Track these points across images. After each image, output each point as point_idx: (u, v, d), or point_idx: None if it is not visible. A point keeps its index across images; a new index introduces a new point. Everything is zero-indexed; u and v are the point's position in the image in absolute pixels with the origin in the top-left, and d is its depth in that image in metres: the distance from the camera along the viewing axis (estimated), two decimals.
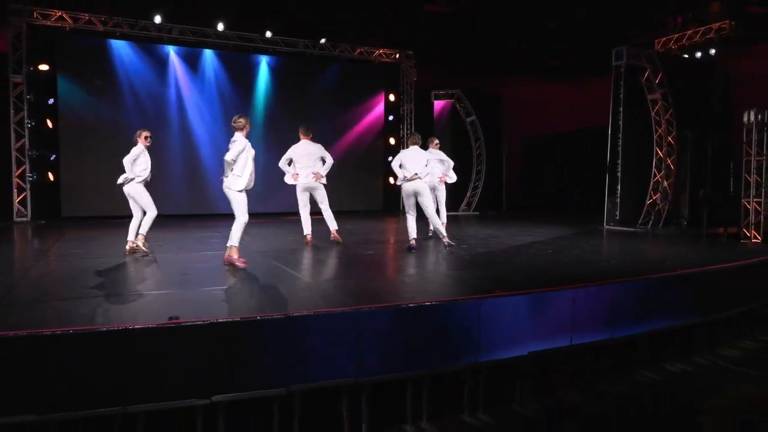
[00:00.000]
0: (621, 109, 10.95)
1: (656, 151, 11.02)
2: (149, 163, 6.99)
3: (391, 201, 15.53)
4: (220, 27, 12.91)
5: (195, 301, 4.53)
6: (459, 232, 10.06)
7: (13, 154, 11.67)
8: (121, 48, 12.58)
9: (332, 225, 8.21)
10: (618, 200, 11.03)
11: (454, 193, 15.45)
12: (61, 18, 11.82)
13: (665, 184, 10.92)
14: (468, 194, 15.46)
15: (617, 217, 11.07)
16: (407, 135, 15.25)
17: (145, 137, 7.05)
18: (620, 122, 10.96)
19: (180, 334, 3.68)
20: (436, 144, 9.03)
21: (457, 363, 4.45)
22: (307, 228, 8.10)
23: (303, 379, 3.96)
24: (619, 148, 10.95)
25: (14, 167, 11.71)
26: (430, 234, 8.71)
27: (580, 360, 5.05)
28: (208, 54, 13.41)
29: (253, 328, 3.87)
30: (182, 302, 4.48)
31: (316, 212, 8.08)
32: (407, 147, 7.58)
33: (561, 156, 17.68)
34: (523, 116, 18.06)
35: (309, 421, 3.96)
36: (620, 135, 10.96)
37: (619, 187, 11.01)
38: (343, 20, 13.01)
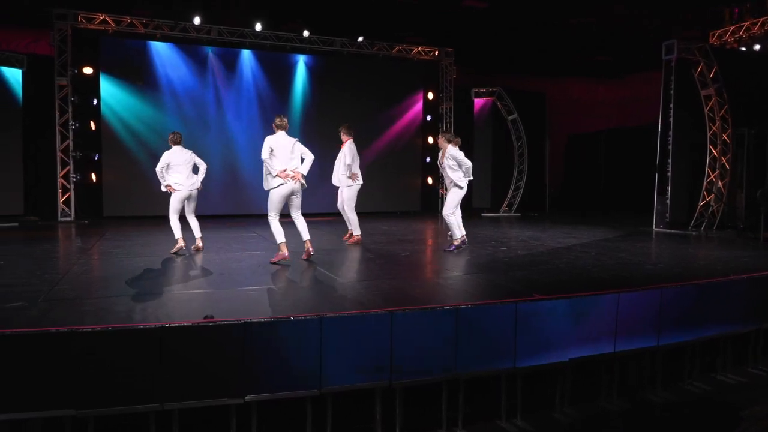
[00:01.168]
0: (672, 105, 10.63)
1: (710, 149, 10.66)
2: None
3: (429, 201, 15.51)
4: (258, 27, 13.15)
5: (230, 301, 4.64)
6: (499, 234, 9.98)
7: (58, 155, 12.18)
8: (161, 49, 12.97)
9: (356, 229, 8.58)
10: (668, 201, 10.71)
11: (495, 194, 15.37)
12: (104, 21, 12.27)
13: (720, 184, 10.56)
14: (509, 195, 15.29)
15: (667, 219, 10.75)
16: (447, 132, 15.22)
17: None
18: (671, 119, 10.65)
19: (215, 333, 3.78)
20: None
21: (494, 368, 4.41)
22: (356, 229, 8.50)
23: (336, 380, 4.00)
24: (670, 147, 10.64)
25: (59, 168, 12.22)
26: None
27: (623, 368, 4.94)
28: (246, 54, 13.68)
29: (287, 328, 3.93)
30: (218, 301, 4.59)
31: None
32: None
33: (606, 155, 17.28)
34: (567, 114, 17.80)
35: (342, 423, 4.00)
36: (671, 133, 10.65)
37: (669, 188, 10.70)
38: (380, 18, 13.08)
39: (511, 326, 4.45)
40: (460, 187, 7.59)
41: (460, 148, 7.78)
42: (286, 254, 6.50)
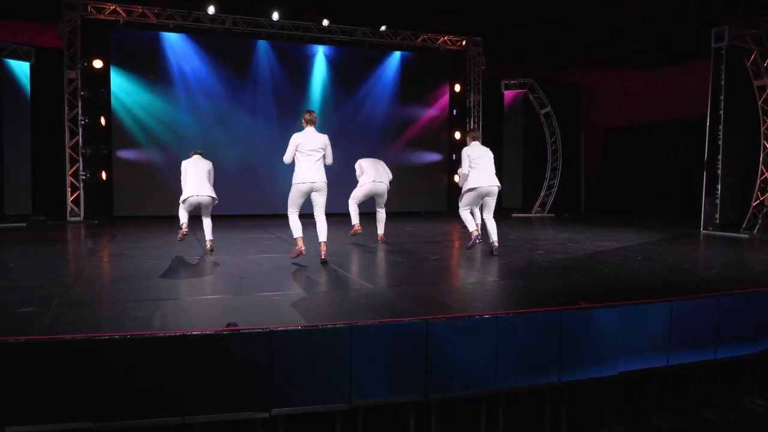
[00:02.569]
0: (722, 97, 10.40)
1: (764, 144, 10.40)
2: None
3: (455, 201, 15.36)
4: (275, 16, 13.17)
5: (252, 307, 4.61)
6: (533, 236, 9.85)
7: (67, 152, 12.32)
8: (173, 40, 13.07)
9: (381, 228, 8.83)
10: (718, 201, 10.47)
11: (526, 194, 15.22)
12: (114, 11, 12.39)
13: None
14: (542, 194, 15.12)
15: (717, 221, 10.51)
16: (475, 128, 15.11)
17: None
18: (721, 112, 10.41)
19: (238, 341, 3.74)
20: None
21: (536, 382, 4.32)
22: (381, 228, 8.72)
23: (368, 393, 3.94)
24: (720, 142, 10.41)
25: (68, 165, 12.36)
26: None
27: (677, 382, 4.82)
28: (262, 45, 13.72)
29: (315, 337, 3.89)
30: (239, 308, 4.56)
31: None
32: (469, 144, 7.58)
33: (647, 151, 16.98)
34: (604, 107, 17.55)
35: None
36: (720, 127, 10.42)
37: (719, 187, 10.46)
38: (404, 5, 13.01)
39: (555, 337, 4.35)
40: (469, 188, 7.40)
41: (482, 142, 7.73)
42: (302, 249, 6.59)
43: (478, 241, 7.56)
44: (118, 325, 3.98)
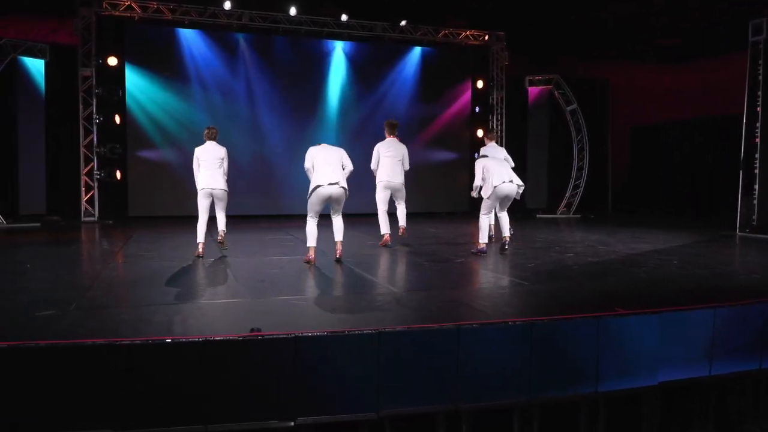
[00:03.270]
0: (759, 93, 10.18)
1: None
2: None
3: (477, 201, 15.23)
4: (293, 11, 13.16)
5: (275, 312, 4.57)
6: (561, 238, 9.73)
7: (82, 150, 12.41)
8: (189, 37, 13.11)
9: (403, 220, 8.75)
10: (755, 202, 10.25)
11: (551, 194, 15.05)
12: (129, 7, 12.46)
13: None
14: (567, 194, 14.95)
15: (754, 222, 10.29)
16: (497, 127, 14.99)
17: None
18: (758, 109, 10.19)
19: (263, 347, 3.70)
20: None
21: (572, 392, 4.23)
22: (385, 227, 8.44)
23: (396, 402, 3.88)
24: (757, 140, 10.19)
25: (82, 165, 12.46)
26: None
27: (721, 394, 4.69)
28: (280, 41, 13.72)
29: (341, 343, 3.84)
30: (262, 312, 4.53)
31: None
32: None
33: (676, 149, 16.71)
34: (632, 104, 17.33)
35: None
36: (758, 124, 10.20)
37: (756, 187, 10.24)
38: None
39: (592, 345, 4.26)
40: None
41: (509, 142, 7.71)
42: (312, 258, 6.75)
43: (482, 253, 7.55)
44: (138, 329, 3.96)
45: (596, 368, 4.26)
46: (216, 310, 4.63)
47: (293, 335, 3.79)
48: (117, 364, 3.58)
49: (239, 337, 3.75)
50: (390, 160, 8.48)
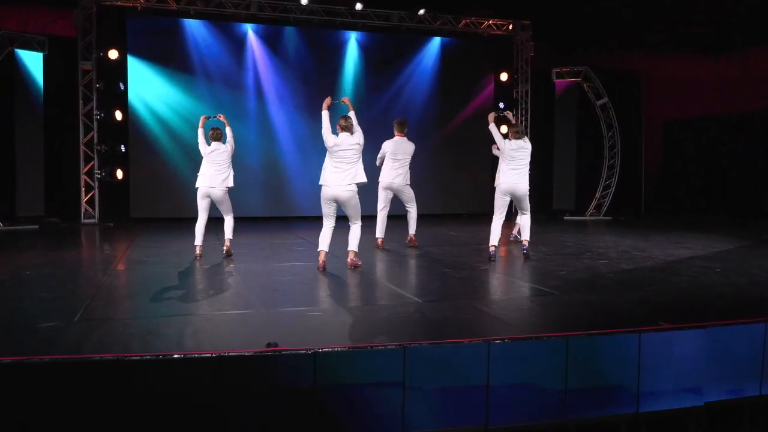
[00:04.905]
0: None
1: None
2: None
3: None
4: (304, 0, 13.15)
5: (290, 324, 4.55)
6: (592, 242, 9.64)
7: (81, 149, 12.49)
8: (194, 28, 13.15)
9: (412, 228, 8.93)
10: None
11: (580, 194, 14.93)
12: None
13: None
14: (597, 195, 14.83)
15: None
16: (522, 122, 14.90)
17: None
18: None
19: (281, 364, 3.69)
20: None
21: (610, 412, 4.18)
22: (380, 231, 8.70)
23: (422, 422, 3.85)
24: None
25: (82, 164, 12.53)
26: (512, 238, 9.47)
27: None
28: (290, 32, 13.73)
29: (364, 359, 3.82)
30: (275, 325, 4.51)
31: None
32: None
33: (713, 146, 16.53)
34: (665, 97, 17.14)
35: None
36: None
37: None
38: None
39: (633, 362, 4.21)
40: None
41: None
42: (321, 264, 6.77)
43: (491, 258, 7.56)
44: (148, 343, 3.97)
45: (637, 387, 4.21)
46: (228, 322, 4.62)
47: (312, 351, 3.77)
48: (126, 381, 3.58)
49: (255, 352, 3.74)
50: (393, 161, 8.61)
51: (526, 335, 4.20)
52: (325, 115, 6.85)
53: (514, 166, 7.60)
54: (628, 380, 4.20)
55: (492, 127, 7.83)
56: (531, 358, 4.06)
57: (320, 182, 6.84)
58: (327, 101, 6.98)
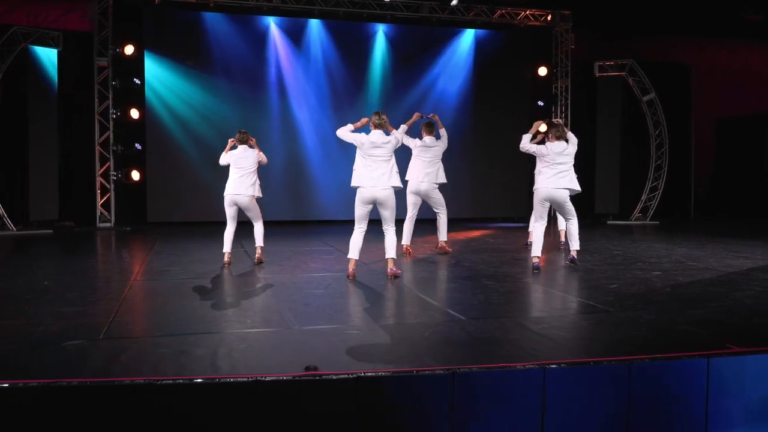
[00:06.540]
0: None
1: None
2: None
3: None
4: None
5: (326, 344, 4.52)
6: (641, 251, 9.49)
7: (97, 149, 12.62)
8: (214, 22, 13.23)
9: (443, 235, 8.88)
10: None
11: (624, 196, 14.74)
12: None
13: None
14: (643, 197, 14.64)
15: None
16: (561, 120, 14.75)
17: None
18: None
19: (322, 389, 3.66)
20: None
21: None
22: (407, 237, 8.75)
23: None
24: None
25: (97, 165, 12.67)
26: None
27: None
28: (314, 25, 13.75)
29: (410, 385, 3.77)
30: (311, 345, 4.48)
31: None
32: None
33: None
34: (717, 92, 16.87)
35: None
36: None
37: None
38: None
39: (701, 389, 4.10)
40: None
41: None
42: (349, 272, 6.89)
43: (534, 270, 7.45)
44: (181, 365, 3.96)
45: (705, 417, 4.11)
46: (262, 341, 4.61)
47: (355, 375, 3.74)
48: (158, 406, 3.58)
49: (294, 376, 3.72)
50: (421, 162, 8.64)
51: (584, 359, 4.12)
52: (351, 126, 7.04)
53: (556, 170, 7.42)
54: (695, 409, 4.10)
55: (526, 143, 7.68)
56: (590, 386, 3.97)
57: (354, 184, 6.84)
58: (363, 121, 7.15)
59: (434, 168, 8.66)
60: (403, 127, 7.33)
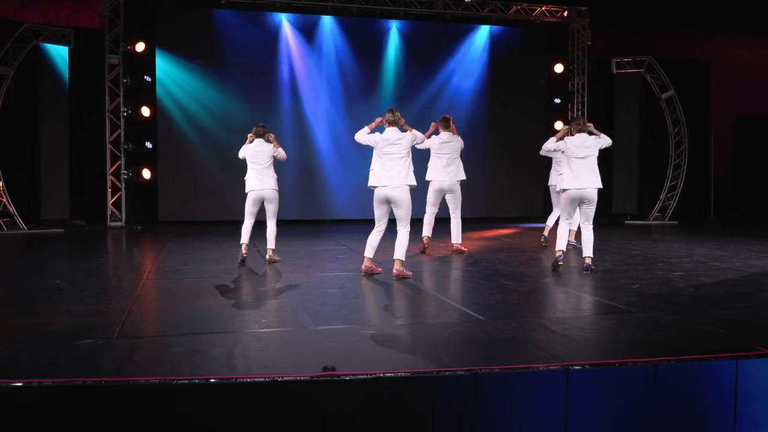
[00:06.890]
0: None
1: None
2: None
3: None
4: None
5: (343, 344, 4.49)
6: (661, 251, 9.41)
7: (108, 147, 12.66)
8: (226, 18, 13.24)
9: (457, 238, 8.85)
10: None
11: (642, 196, 14.62)
12: None
13: None
14: (662, 196, 14.51)
15: None
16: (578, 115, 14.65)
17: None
18: None
19: (341, 390, 3.63)
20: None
21: None
22: (427, 230, 8.84)
23: None
24: None
25: (108, 163, 12.70)
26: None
27: None
28: (327, 21, 13.73)
29: (431, 386, 3.74)
30: (328, 345, 4.45)
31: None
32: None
33: None
34: (737, 88, 16.71)
35: None
36: None
37: None
38: None
39: (729, 391, 4.04)
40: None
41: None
42: (362, 268, 7.02)
43: (558, 263, 7.36)
44: (196, 365, 3.94)
45: (734, 420, 4.04)
46: (278, 341, 4.60)
47: (374, 376, 3.71)
48: (174, 406, 3.56)
49: (311, 377, 3.69)
50: (443, 158, 8.63)
51: (608, 360, 4.06)
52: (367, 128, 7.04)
53: (579, 165, 7.23)
54: (723, 412, 4.04)
55: (547, 143, 7.68)
56: (615, 388, 3.92)
57: (370, 184, 6.87)
58: (378, 121, 7.10)
59: (454, 165, 8.70)
60: (423, 136, 7.30)
